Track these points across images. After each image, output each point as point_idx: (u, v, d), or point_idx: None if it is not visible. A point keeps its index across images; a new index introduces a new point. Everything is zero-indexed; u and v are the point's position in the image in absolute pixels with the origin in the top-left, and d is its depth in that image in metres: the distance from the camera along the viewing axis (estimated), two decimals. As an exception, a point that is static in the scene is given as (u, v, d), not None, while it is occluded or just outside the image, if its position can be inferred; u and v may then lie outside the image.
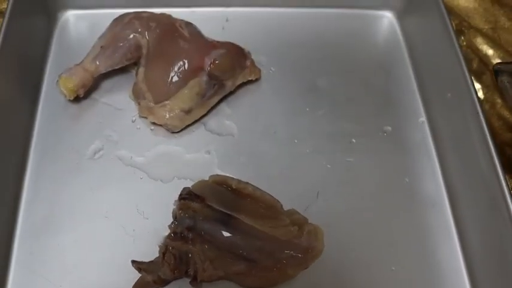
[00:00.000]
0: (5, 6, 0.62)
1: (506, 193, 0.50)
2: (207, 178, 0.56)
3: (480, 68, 0.71)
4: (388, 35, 0.72)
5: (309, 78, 0.67)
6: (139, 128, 0.61)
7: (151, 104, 0.60)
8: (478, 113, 0.55)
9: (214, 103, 0.63)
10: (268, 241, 0.52)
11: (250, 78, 0.65)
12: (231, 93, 0.64)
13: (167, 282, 0.52)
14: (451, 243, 0.56)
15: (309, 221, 0.55)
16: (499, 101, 0.68)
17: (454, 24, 0.65)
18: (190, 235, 0.51)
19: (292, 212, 0.55)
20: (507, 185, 0.51)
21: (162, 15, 0.64)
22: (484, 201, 0.54)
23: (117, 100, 0.64)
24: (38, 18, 0.68)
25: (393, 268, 0.54)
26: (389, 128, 0.63)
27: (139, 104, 0.62)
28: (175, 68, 0.60)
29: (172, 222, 0.53)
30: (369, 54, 0.70)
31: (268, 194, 0.55)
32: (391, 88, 0.67)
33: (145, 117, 0.61)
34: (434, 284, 0.54)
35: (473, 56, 0.72)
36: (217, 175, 0.57)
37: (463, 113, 0.58)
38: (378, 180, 0.60)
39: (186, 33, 0.63)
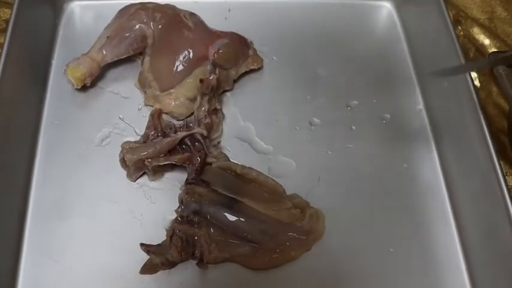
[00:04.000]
0: (13, -3, 0.63)
1: (501, 179, 0.52)
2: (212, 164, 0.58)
3: (477, 57, 0.72)
4: (387, 24, 0.73)
5: (309, 67, 0.68)
6: (145, 116, 0.62)
7: (157, 93, 0.62)
8: (474, 101, 0.57)
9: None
10: (271, 224, 0.54)
11: (252, 67, 0.66)
12: (234, 81, 0.66)
13: (174, 264, 0.53)
14: (448, 226, 0.58)
15: (310, 205, 0.57)
16: (495, 89, 0.69)
17: (451, 15, 0.66)
18: (196, 219, 0.53)
19: (294, 196, 0.57)
20: (502, 170, 0.53)
21: (167, 6, 0.66)
22: (480, 186, 0.55)
23: (124, 89, 0.65)
24: (44, 9, 0.69)
25: (391, 250, 0.56)
26: (388, 116, 0.65)
27: (145, 92, 0.63)
28: (180, 58, 0.62)
29: (179, 207, 0.54)
30: (368, 43, 0.71)
31: (271, 178, 0.57)
32: (390, 77, 0.68)
33: (151, 105, 0.62)
34: (431, 264, 0.55)
35: (470, 45, 0.73)
36: (222, 161, 0.58)
37: (460, 101, 0.59)
38: (377, 165, 0.61)
39: (190, 23, 0.64)
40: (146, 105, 0.63)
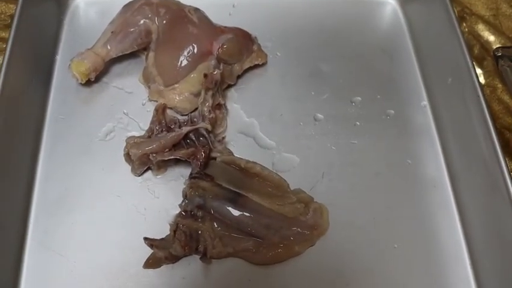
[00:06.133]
0: (18, -7, 0.63)
1: (506, 175, 0.52)
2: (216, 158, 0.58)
3: (481, 53, 0.72)
4: (392, 21, 0.73)
5: (313, 63, 0.68)
6: (149, 111, 0.62)
7: (161, 88, 0.62)
8: (479, 97, 0.57)
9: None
10: (275, 218, 0.53)
11: (256, 63, 0.66)
12: (238, 77, 0.66)
13: (178, 258, 0.53)
14: (452, 222, 0.58)
15: (315, 200, 0.57)
16: (499, 86, 0.69)
17: (456, 11, 0.66)
18: (200, 213, 0.53)
19: (298, 191, 0.57)
20: (507, 167, 0.52)
21: (171, 1, 0.65)
22: (484, 183, 0.55)
23: (128, 84, 0.65)
24: (49, 4, 0.69)
25: (396, 246, 0.56)
26: (392, 112, 0.65)
27: (149, 87, 0.63)
28: (185, 53, 0.62)
29: (182, 201, 0.54)
30: (373, 39, 0.71)
31: (275, 173, 0.57)
32: (394, 73, 0.68)
33: (155, 101, 0.62)
34: (435, 259, 0.55)
35: (474, 42, 0.73)
36: (226, 155, 0.58)
37: (465, 97, 0.59)
38: (381, 161, 0.61)
39: (194, 18, 0.64)
40: (150, 100, 0.64)
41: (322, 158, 0.61)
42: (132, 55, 0.66)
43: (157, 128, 0.58)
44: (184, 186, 0.55)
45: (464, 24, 0.74)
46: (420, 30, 0.70)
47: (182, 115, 0.62)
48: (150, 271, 0.53)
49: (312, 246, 0.55)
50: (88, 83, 0.64)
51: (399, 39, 0.71)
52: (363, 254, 0.55)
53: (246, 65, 0.65)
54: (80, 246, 0.55)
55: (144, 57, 0.65)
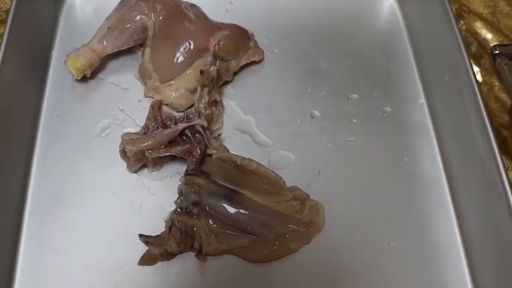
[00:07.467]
0: (14, -12, 0.63)
1: (503, 173, 0.52)
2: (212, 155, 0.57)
3: (479, 51, 0.72)
4: (389, 18, 0.73)
5: (310, 60, 0.68)
6: (145, 107, 0.62)
7: (157, 84, 0.61)
8: (476, 95, 0.56)
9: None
10: (271, 215, 0.53)
11: (253, 59, 0.66)
12: (235, 73, 0.65)
13: (173, 255, 0.53)
14: (449, 220, 0.58)
15: (311, 198, 0.57)
16: (496, 83, 0.69)
17: (453, 9, 0.65)
18: (195, 210, 0.53)
19: (294, 189, 0.57)
20: (503, 165, 0.52)
21: (168, -3, 0.65)
22: (481, 181, 0.55)
23: (124, 80, 0.65)
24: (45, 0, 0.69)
25: (392, 243, 0.56)
26: (389, 109, 0.64)
27: (145, 83, 0.63)
28: (181, 49, 0.62)
29: (178, 198, 0.54)
30: (370, 37, 0.71)
31: (271, 170, 0.57)
32: (391, 70, 0.68)
33: (152, 97, 0.62)
34: (431, 258, 0.55)
35: (472, 39, 0.73)
36: (222, 152, 0.58)
37: (462, 95, 0.59)
38: (378, 159, 0.61)
39: (191, 15, 0.64)
40: (146, 96, 0.63)
41: (319, 156, 0.61)
42: (128, 51, 0.66)
43: (153, 124, 0.58)
44: (180, 183, 0.55)
45: (461, 22, 0.74)
46: (418, 28, 0.70)
47: (178, 111, 0.62)
48: (146, 268, 0.53)
49: (307, 243, 0.55)
50: (84, 79, 0.63)
51: (397, 36, 0.71)
52: (359, 252, 0.55)
53: (243, 62, 0.65)
54: (75, 242, 0.54)
55: (140, 53, 0.65)
